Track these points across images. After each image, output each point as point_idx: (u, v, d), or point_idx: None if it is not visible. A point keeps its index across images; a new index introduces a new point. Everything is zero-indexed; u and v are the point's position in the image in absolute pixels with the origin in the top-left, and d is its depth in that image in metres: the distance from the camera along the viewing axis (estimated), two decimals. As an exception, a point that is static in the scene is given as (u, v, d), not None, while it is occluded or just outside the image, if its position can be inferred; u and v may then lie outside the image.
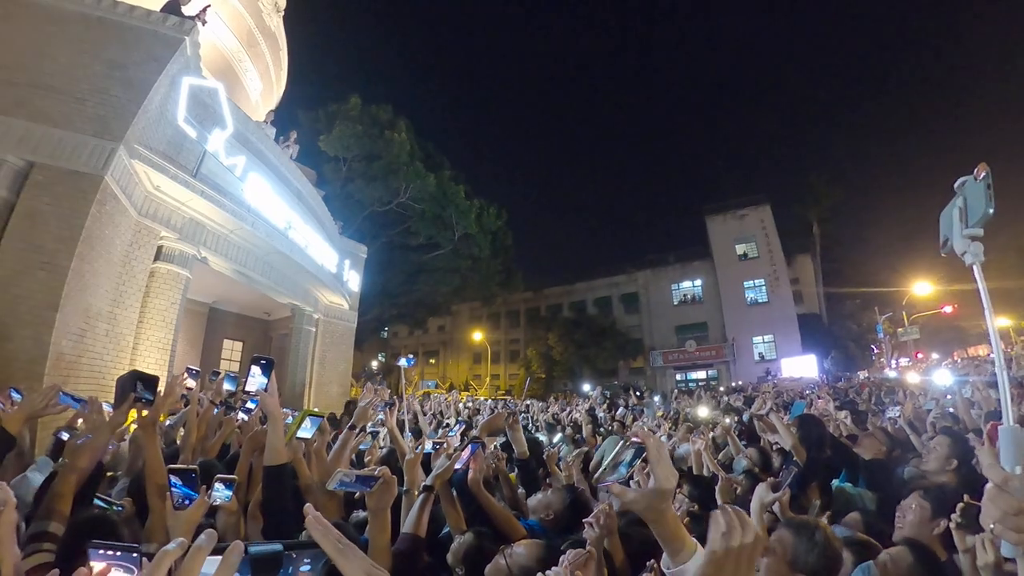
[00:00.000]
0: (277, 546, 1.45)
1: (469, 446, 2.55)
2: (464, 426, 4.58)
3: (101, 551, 0.97)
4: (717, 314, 34.71)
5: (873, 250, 39.88)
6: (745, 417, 6.98)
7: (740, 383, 23.85)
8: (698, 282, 36.54)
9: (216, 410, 3.85)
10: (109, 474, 3.22)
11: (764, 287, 33.41)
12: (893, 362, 26.28)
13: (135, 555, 0.99)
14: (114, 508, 2.25)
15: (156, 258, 8.65)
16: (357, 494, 2.02)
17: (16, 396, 3.53)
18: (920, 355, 28.86)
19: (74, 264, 6.55)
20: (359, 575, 1.13)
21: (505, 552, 1.88)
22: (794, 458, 3.41)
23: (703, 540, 1.09)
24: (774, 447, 4.56)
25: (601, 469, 1.25)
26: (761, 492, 2.37)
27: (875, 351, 31.89)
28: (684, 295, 37.07)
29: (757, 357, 32.56)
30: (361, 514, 2.80)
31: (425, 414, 9.22)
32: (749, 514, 2.29)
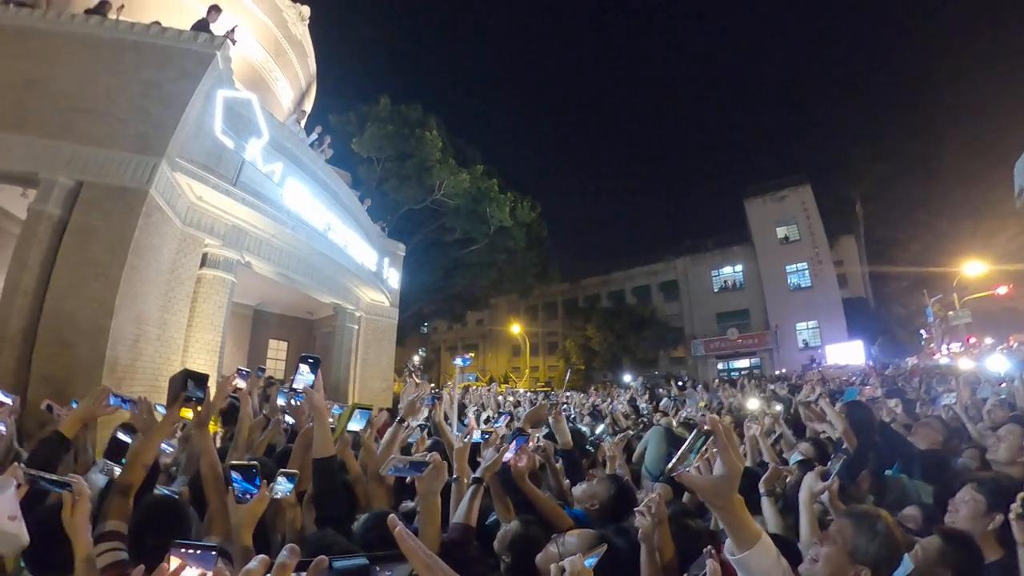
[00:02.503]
0: (362, 560, 1.45)
1: (516, 439, 2.56)
2: (509, 417, 4.60)
3: (182, 550, 1.03)
4: (759, 300, 33.85)
5: (921, 228, 37.79)
6: (792, 409, 6.80)
7: (784, 371, 23.30)
8: (739, 267, 35.67)
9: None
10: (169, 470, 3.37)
11: (807, 271, 32.41)
12: (944, 347, 25.07)
13: (213, 553, 1.04)
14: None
15: (202, 265, 8.98)
16: (408, 479, 2.05)
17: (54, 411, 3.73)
18: (973, 340, 27.43)
19: (125, 274, 6.84)
20: None
21: (557, 540, 1.89)
22: (844, 446, 3.31)
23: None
24: (821, 435, 4.44)
25: (676, 458, 1.24)
26: (810, 481, 2.31)
27: (925, 336, 30.42)
28: (724, 281, 36.25)
29: (801, 344, 31.64)
30: (409, 504, 2.85)
31: (466, 406, 9.30)
32: (799, 504, 2.25)
